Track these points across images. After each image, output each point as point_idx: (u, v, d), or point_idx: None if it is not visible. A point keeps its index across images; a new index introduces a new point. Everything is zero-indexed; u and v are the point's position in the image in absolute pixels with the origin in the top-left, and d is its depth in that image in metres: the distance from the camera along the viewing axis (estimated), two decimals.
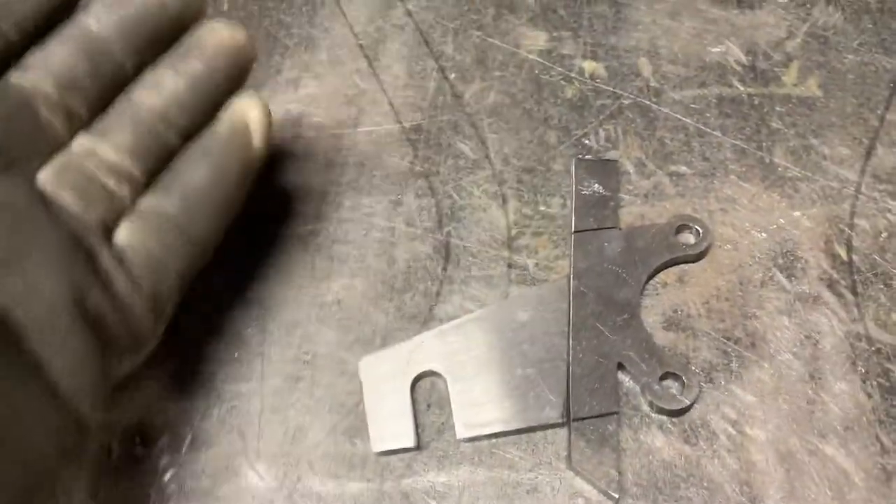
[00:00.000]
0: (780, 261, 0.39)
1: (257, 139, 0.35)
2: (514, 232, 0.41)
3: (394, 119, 0.45)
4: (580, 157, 0.42)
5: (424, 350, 0.36)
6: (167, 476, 0.35)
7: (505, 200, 0.42)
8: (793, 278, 0.38)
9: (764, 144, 0.43)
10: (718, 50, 0.46)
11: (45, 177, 0.30)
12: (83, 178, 0.31)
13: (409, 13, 0.49)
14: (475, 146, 0.44)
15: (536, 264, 0.39)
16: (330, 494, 0.34)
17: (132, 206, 0.32)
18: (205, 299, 0.39)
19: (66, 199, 0.30)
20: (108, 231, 0.31)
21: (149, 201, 0.32)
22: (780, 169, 0.42)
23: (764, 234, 0.40)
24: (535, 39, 0.47)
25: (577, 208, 0.40)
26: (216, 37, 0.34)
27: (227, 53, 0.34)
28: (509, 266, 0.39)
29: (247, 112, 0.34)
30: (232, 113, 0.34)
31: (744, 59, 0.46)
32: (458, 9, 0.49)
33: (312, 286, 0.39)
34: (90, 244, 0.30)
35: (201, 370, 0.37)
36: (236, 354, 0.38)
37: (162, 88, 0.33)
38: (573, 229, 0.39)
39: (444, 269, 0.40)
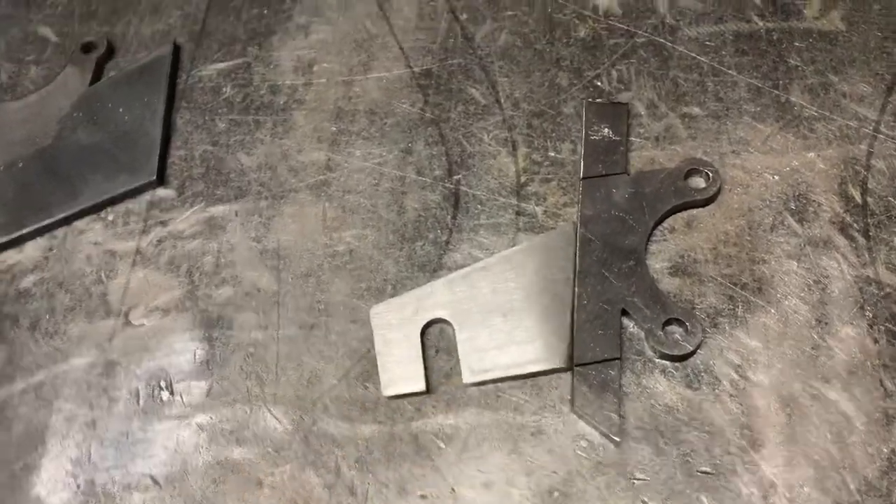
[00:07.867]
0: (792, 204, 0.38)
1: None
2: (523, 179, 0.41)
3: (404, 64, 0.44)
4: (590, 100, 0.42)
5: (433, 298, 0.37)
6: (191, 420, 0.37)
7: (515, 147, 0.42)
8: (804, 222, 0.38)
9: (780, 83, 0.41)
10: None
11: None
12: None
13: None
14: (486, 91, 0.43)
15: (545, 211, 0.40)
16: (343, 436, 0.36)
17: None
18: (221, 252, 0.40)
19: None
20: None
21: None
22: (796, 108, 0.41)
23: (776, 177, 0.39)
24: None
25: (586, 154, 0.40)
26: None
27: None
28: (517, 214, 0.40)
29: None
30: None
31: None
32: None
33: (325, 236, 0.40)
34: None
35: (221, 316, 0.39)
36: (254, 304, 0.39)
37: None
38: (581, 175, 0.39)
39: (454, 217, 0.40)
